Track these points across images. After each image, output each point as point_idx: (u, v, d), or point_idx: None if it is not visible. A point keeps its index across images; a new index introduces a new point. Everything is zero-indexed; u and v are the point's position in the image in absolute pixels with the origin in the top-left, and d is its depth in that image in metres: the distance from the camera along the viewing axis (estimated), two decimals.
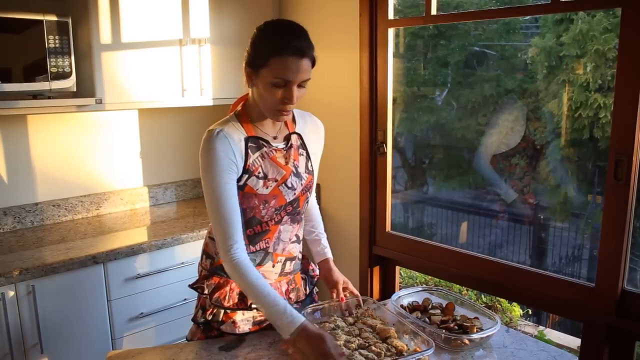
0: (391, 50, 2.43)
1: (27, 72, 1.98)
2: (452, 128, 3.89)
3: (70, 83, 2.07)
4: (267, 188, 1.42)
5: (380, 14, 2.41)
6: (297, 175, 1.48)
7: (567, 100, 3.17)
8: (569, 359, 1.46)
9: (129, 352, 1.43)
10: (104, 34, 2.18)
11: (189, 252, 2.28)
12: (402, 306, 1.61)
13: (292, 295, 1.58)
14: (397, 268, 2.66)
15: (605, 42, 2.88)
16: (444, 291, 1.73)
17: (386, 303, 1.66)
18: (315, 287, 1.69)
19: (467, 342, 1.42)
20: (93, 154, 2.58)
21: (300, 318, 1.30)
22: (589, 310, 1.82)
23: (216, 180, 1.35)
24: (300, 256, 1.61)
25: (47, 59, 1.99)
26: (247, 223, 1.43)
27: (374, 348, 1.34)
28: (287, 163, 1.46)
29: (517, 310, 3.77)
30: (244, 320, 1.49)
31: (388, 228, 2.56)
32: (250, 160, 1.39)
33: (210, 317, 1.50)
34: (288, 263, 1.54)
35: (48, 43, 1.99)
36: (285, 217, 1.48)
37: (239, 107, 1.47)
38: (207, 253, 1.56)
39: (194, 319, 1.55)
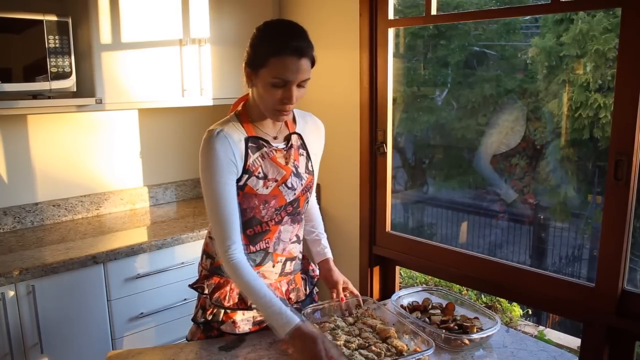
0: (391, 50, 2.43)
1: (27, 72, 1.98)
2: (452, 128, 3.89)
3: (70, 83, 2.07)
4: (267, 188, 1.42)
5: (380, 14, 2.41)
6: (297, 175, 1.47)
7: (567, 100, 3.17)
8: (569, 359, 1.46)
9: (129, 352, 1.43)
10: (104, 34, 2.18)
11: (189, 252, 2.28)
12: (402, 306, 1.61)
13: (292, 296, 1.58)
14: (397, 268, 2.66)
15: (605, 42, 2.88)
16: (444, 291, 1.73)
17: (386, 303, 1.66)
18: (315, 287, 1.69)
19: (467, 342, 1.42)
20: (93, 154, 2.58)
21: (295, 319, 1.30)
22: (589, 310, 1.82)
23: (215, 180, 1.35)
24: (300, 256, 1.61)
25: (47, 59, 1.99)
26: (247, 223, 1.43)
27: (374, 348, 1.34)
28: (287, 163, 1.46)
29: (517, 310, 3.76)
30: (244, 320, 1.49)
31: (388, 228, 2.56)
32: (250, 161, 1.39)
33: (210, 317, 1.50)
34: (288, 263, 1.54)
35: (48, 43, 1.99)
36: (286, 217, 1.48)
37: (239, 107, 1.47)
38: (207, 253, 1.56)
39: (194, 319, 1.55)
